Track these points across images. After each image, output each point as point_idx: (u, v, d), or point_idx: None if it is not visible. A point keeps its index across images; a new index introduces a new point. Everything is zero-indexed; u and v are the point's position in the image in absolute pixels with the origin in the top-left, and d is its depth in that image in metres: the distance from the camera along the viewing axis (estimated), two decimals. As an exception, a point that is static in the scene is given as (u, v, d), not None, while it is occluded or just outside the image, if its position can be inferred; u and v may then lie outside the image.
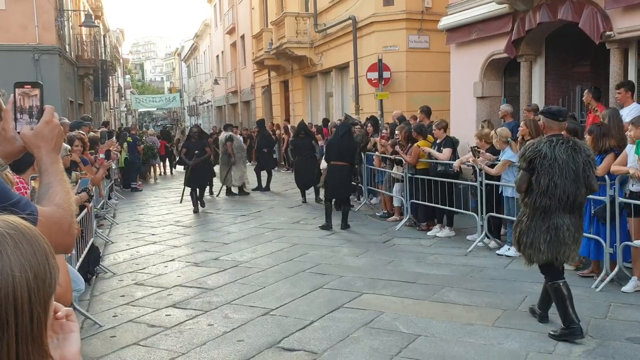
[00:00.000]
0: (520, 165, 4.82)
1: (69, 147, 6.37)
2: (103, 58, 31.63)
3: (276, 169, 18.74)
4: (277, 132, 21.14)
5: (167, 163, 21.73)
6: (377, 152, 10.85)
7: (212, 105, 43.81)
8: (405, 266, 7.06)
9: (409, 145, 9.32)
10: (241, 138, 16.68)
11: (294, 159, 12.82)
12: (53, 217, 1.46)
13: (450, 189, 8.56)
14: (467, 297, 5.73)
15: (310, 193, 12.66)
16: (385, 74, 14.92)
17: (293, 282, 6.45)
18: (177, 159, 17.82)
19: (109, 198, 13.00)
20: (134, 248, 8.62)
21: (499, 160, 7.51)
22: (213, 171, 12.83)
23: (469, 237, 8.34)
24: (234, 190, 14.15)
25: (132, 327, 5.18)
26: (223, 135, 14.39)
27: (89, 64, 25.32)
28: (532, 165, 4.62)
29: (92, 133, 10.09)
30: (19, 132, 1.56)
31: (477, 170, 7.89)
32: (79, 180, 5.18)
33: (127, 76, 65.46)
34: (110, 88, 36.74)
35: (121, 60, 52.72)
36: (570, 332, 4.51)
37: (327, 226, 9.43)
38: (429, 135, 9.25)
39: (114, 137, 13.14)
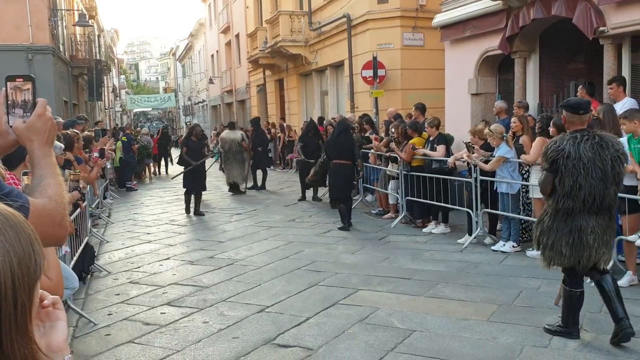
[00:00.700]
0: (542, 166, 4.49)
1: (62, 145, 6.34)
2: (97, 58, 31.53)
3: (271, 167, 18.74)
4: (273, 130, 21.11)
5: (162, 162, 21.67)
6: (372, 150, 10.85)
7: (207, 104, 43.75)
8: (401, 263, 7.06)
9: (405, 142, 9.32)
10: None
11: (302, 157, 12.70)
12: (45, 209, 1.45)
13: (445, 185, 8.58)
14: (462, 293, 5.73)
15: (309, 192, 12.64)
16: (380, 72, 14.91)
17: (288, 280, 6.44)
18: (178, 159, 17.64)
19: (104, 197, 12.97)
20: (129, 247, 8.60)
21: (494, 157, 7.52)
22: (206, 175, 12.53)
23: (459, 241, 8.32)
24: (242, 188, 14.31)
25: (127, 325, 5.17)
26: (234, 134, 14.35)
27: (83, 64, 25.17)
28: (555, 166, 4.27)
29: (86, 132, 10.08)
30: (11, 126, 1.55)
31: (472, 167, 7.90)
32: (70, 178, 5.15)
33: (122, 76, 65.27)
34: (105, 88, 36.62)
35: (116, 60, 52.57)
36: (567, 332, 4.49)
37: (345, 227, 9.17)
38: (424, 132, 9.26)
39: (107, 135, 13.08)
